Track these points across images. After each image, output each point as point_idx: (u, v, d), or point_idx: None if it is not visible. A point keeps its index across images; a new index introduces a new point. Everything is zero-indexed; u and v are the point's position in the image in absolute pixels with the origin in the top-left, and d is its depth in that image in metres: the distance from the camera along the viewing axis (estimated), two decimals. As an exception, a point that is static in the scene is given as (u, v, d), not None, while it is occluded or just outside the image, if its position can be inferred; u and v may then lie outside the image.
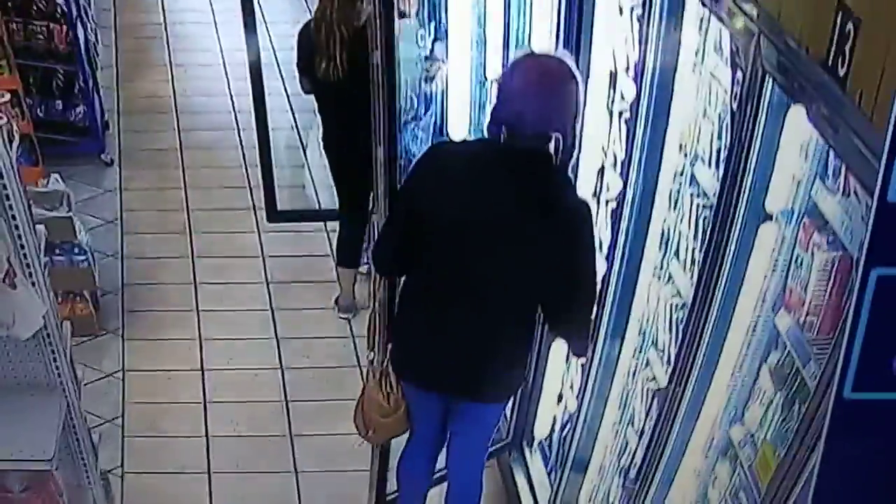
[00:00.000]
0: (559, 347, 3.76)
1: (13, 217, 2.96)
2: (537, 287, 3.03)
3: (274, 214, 6.02)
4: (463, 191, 2.97)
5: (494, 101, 2.95)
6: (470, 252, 3.01)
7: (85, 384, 4.11)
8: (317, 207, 6.26)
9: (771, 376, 2.45)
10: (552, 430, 3.99)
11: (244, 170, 6.88)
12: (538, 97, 2.83)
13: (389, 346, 3.39)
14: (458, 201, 2.97)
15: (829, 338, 2.14)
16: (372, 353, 3.49)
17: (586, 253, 2.96)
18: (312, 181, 6.40)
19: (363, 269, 5.50)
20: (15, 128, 3.26)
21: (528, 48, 3.51)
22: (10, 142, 3.02)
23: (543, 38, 3.58)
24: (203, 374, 5.22)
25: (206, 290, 5.84)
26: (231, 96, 7.79)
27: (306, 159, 6.57)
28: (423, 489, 3.81)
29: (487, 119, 2.99)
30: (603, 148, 3.32)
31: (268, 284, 5.89)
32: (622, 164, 3.08)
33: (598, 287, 3.09)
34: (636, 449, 2.97)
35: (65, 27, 6.59)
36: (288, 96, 7.21)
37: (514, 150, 2.89)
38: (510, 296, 3.08)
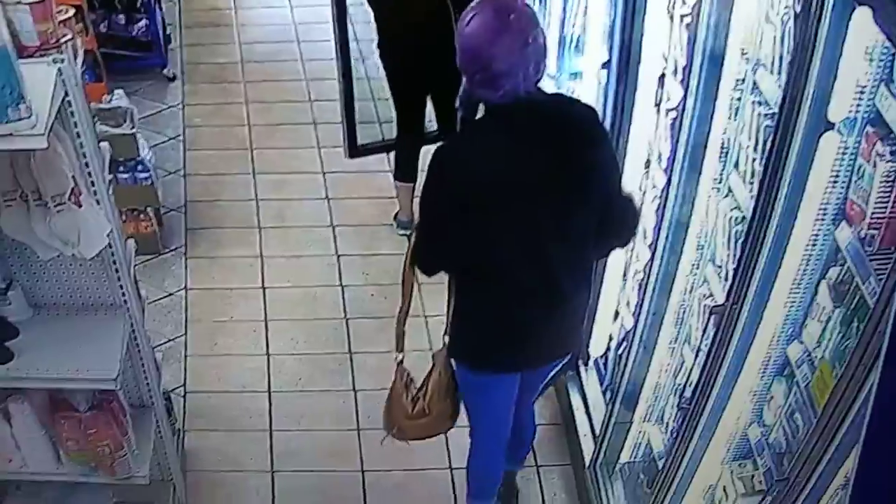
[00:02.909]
0: (616, 264, 3.72)
1: (78, 135, 2.94)
2: (600, 221, 2.98)
3: (355, 150, 6.00)
4: (521, 163, 2.84)
5: (473, 61, 2.76)
6: (544, 218, 2.90)
7: (148, 303, 4.22)
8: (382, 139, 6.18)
9: (830, 293, 2.38)
10: (608, 348, 3.97)
11: (305, 84, 6.89)
12: (528, 45, 2.72)
13: (448, 346, 3.30)
14: (519, 175, 2.84)
15: (890, 252, 2.07)
16: (400, 355, 3.44)
17: (615, 159, 3.06)
18: (377, 114, 6.38)
19: None
20: (79, 43, 3.24)
21: None
22: (75, 58, 2.99)
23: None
24: (264, 291, 5.28)
25: (267, 207, 5.89)
26: (291, 8, 7.76)
27: (372, 93, 6.52)
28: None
29: (479, 83, 2.79)
30: (664, 55, 3.22)
31: (328, 200, 5.91)
32: (683, 70, 2.98)
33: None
34: (692, 367, 2.93)
35: (128, -60, 6.60)
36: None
37: (538, 101, 2.85)
38: (585, 243, 3.02)
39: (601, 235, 3.02)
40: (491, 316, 3.12)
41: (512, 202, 2.85)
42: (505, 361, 3.24)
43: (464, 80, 2.86)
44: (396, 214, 5.64)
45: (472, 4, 2.76)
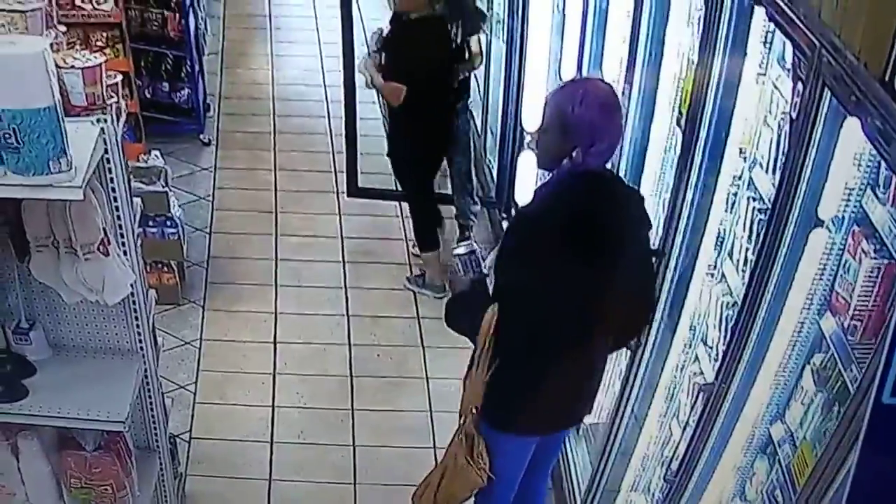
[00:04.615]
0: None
1: (112, 190, 2.99)
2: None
3: (354, 190, 6.16)
4: (608, 240, 2.83)
5: (576, 132, 2.78)
6: (613, 280, 2.88)
7: (164, 350, 4.20)
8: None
9: (813, 377, 2.40)
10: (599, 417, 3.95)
11: (332, 156, 6.97)
12: (619, 125, 2.90)
13: (494, 414, 3.09)
14: (606, 254, 2.83)
15: (871, 342, 2.09)
16: (468, 418, 3.12)
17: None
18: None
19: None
20: (123, 106, 3.30)
21: (583, 75, 3.40)
22: (117, 119, 3.04)
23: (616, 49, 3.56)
24: (275, 346, 5.27)
25: (286, 267, 5.91)
26: (325, 87, 7.90)
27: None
28: None
29: (578, 154, 2.79)
30: (664, 149, 3.28)
31: (343, 264, 5.94)
32: (684, 165, 3.02)
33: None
34: (679, 441, 2.92)
35: (178, 15, 6.77)
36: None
37: (614, 177, 3.00)
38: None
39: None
40: (558, 378, 2.99)
41: (599, 262, 2.84)
42: (544, 422, 3.20)
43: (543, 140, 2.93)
44: (421, 279, 5.67)
45: (573, 82, 2.99)
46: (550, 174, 2.96)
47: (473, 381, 3.03)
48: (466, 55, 5.32)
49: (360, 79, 5.60)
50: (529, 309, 2.86)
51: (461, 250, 3.07)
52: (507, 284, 2.90)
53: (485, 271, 3.05)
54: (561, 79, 4.56)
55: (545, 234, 2.81)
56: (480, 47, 5.42)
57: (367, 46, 5.43)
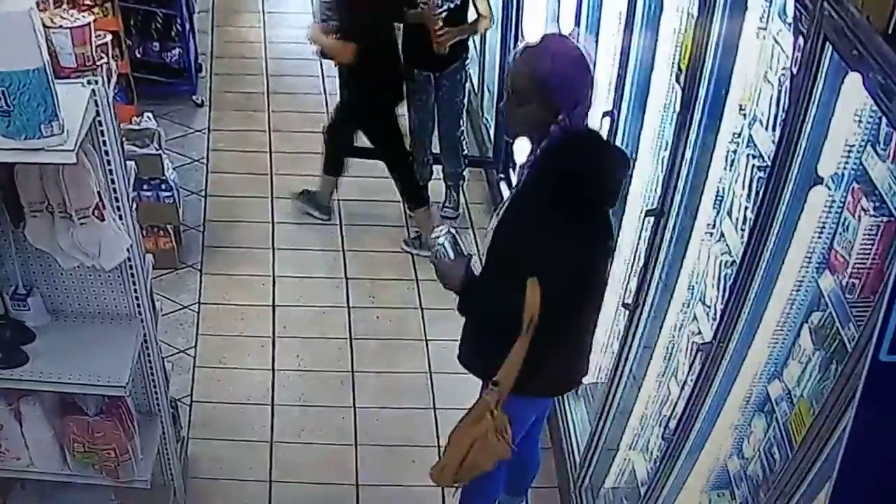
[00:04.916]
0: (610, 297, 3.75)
1: (105, 153, 2.98)
2: None
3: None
4: (607, 184, 2.89)
5: (558, 95, 2.71)
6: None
7: (162, 315, 4.23)
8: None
9: (811, 335, 2.41)
10: (597, 377, 3.98)
11: (327, 116, 6.87)
12: (593, 78, 2.79)
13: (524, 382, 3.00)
14: (608, 197, 2.91)
15: (869, 301, 2.10)
16: (493, 391, 3.03)
17: None
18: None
19: None
20: (114, 67, 3.28)
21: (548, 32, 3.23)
22: (108, 81, 3.02)
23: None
24: (274, 310, 5.29)
25: (283, 230, 5.92)
26: (318, 45, 7.82)
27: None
28: None
29: (564, 118, 2.73)
30: (664, 106, 3.26)
31: (341, 226, 5.94)
32: (682, 123, 3.01)
33: None
34: (677, 400, 2.94)
35: (166, -29, 6.66)
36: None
37: (599, 135, 3.00)
38: None
39: None
40: (580, 336, 3.11)
41: (607, 219, 2.92)
42: (566, 385, 3.29)
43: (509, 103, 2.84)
44: (417, 241, 5.70)
45: (535, 45, 2.79)
46: (535, 145, 2.86)
47: (511, 360, 2.92)
48: (470, 17, 5.28)
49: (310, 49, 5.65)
50: (569, 275, 2.82)
51: (441, 237, 2.94)
52: (541, 257, 2.80)
53: (468, 252, 2.96)
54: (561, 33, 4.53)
55: (569, 201, 2.75)
56: (490, 9, 5.37)
57: (314, 15, 5.37)
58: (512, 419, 3.07)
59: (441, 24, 5.14)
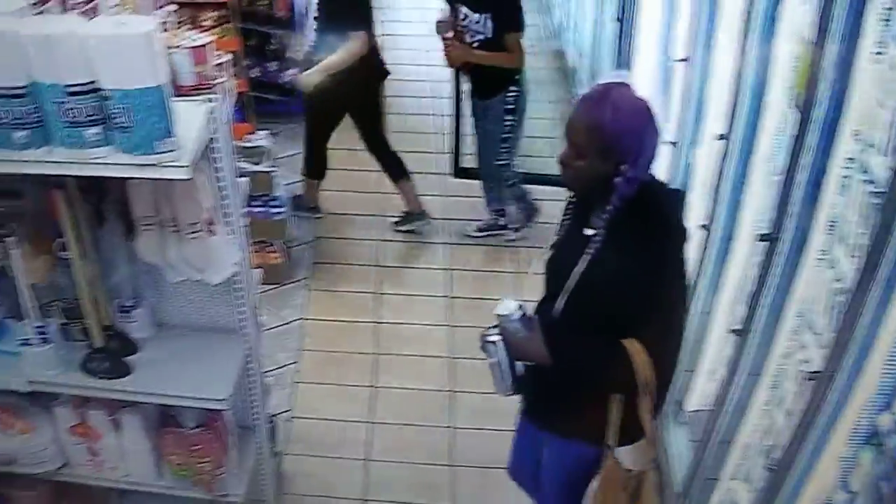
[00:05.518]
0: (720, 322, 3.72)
1: (219, 169, 3.04)
2: None
3: (458, 171, 6.42)
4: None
5: (619, 147, 2.61)
6: None
7: (266, 329, 4.30)
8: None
9: (924, 366, 2.34)
10: (701, 403, 3.93)
11: (442, 137, 6.97)
12: (657, 126, 2.69)
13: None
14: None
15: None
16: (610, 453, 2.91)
17: None
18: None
19: None
20: (231, 86, 3.38)
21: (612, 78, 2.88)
22: (225, 99, 3.12)
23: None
24: (377, 326, 5.37)
25: (390, 248, 6.04)
26: (435, 67, 7.89)
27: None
28: None
29: (626, 170, 2.63)
30: (778, 129, 3.23)
31: (449, 246, 6.02)
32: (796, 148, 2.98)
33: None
34: (782, 430, 2.89)
35: (286, -5, 6.85)
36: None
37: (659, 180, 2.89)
38: None
39: None
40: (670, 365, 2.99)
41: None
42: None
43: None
44: (404, 219, 6.05)
45: (592, 91, 2.69)
46: (597, 200, 2.76)
47: (614, 417, 2.83)
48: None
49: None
50: (671, 327, 2.81)
51: (508, 312, 2.81)
52: (648, 315, 2.71)
53: (532, 315, 2.85)
54: (670, 57, 4.52)
55: (670, 253, 2.73)
56: (520, 46, 5.43)
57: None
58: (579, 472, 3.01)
59: (450, 36, 5.40)
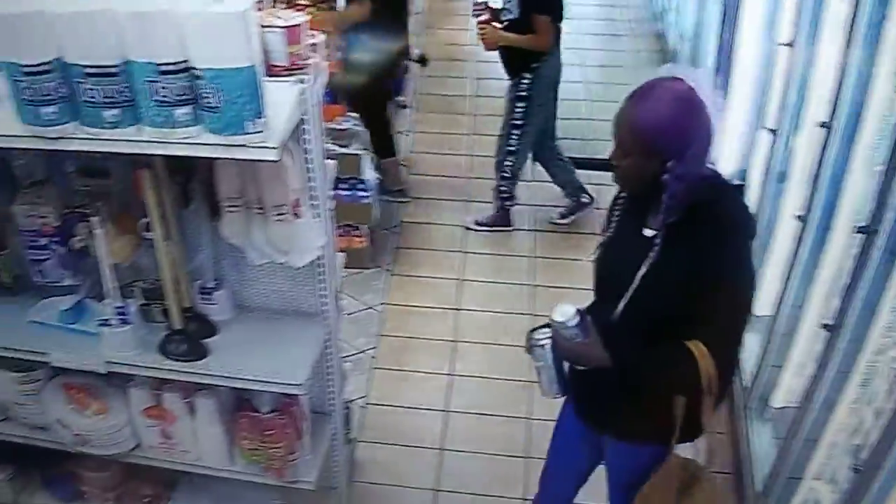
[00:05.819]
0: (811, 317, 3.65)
1: (307, 151, 3.01)
2: None
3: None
4: None
5: (660, 144, 2.52)
6: None
7: (345, 314, 4.29)
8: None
9: None
10: (788, 400, 3.86)
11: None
12: (707, 115, 2.55)
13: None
14: None
15: None
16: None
17: None
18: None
19: None
20: (324, 67, 3.27)
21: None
22: (318, 80, 3.05)
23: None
24: (457, 314, 5.35)
25: (476, 234, 6.01)
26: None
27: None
28: None
29: (674, 166, 2.53)
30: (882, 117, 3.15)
31: (535, 233, 6.00)
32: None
33: None
34: (871, 429, 2.82)
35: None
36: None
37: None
38: None
39: None
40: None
41: None
42: None
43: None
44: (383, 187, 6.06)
45: (637, 88, 2.58)
46: (649, 196, 2.67)
47: (676, 417, 2.76)
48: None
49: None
50: (743, 322, 2.72)
51: (565, 318, 2.69)
52: (713, 313, 2.62)
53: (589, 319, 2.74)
54: (774, 41, 4.44)
55: (745, 252, 2.66)
56: (548, 30, 5.41)
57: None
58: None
59: (485, 20, 5.48)
